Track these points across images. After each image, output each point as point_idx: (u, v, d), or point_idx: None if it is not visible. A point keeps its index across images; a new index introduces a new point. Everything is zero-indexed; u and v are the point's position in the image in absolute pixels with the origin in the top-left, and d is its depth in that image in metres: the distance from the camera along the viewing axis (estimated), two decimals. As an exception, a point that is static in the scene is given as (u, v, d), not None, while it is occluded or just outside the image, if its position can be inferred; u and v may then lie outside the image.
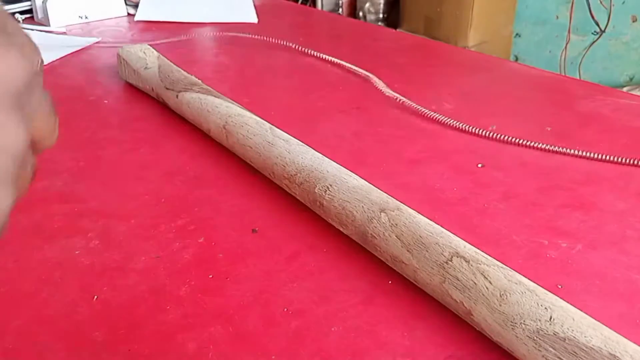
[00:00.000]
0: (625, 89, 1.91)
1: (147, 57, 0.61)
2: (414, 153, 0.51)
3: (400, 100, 0.59)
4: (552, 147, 0.51)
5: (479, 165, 0.49)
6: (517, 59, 2.40)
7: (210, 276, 0.37)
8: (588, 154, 0.49)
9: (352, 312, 0.34)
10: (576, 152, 0.50)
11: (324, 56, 0.71)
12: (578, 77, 2.17)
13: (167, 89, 0.56)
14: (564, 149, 0.50)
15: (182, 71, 0.59)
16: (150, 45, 0.64)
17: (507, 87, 0.66)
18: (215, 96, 0.52)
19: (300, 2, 2.13)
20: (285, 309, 0.34)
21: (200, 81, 0.56)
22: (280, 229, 0.41)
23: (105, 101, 0.61)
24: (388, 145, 0.53)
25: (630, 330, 0.27)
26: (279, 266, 0.38)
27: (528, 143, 0.51)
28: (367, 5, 2.40)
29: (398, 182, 0.46)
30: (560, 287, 0.35)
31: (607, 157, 0.49)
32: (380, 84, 0.63)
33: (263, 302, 0.35)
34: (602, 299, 0.35)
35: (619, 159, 0.48)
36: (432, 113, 0.57)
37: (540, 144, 0.51)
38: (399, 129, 0.55)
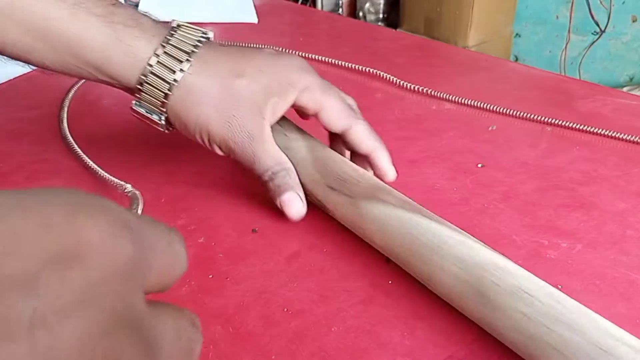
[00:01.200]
0: (625, 89, 1.91)
1: (282, 127, 0.43)
2: (414, 153, 0.51)
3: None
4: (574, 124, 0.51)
5: (479, 165, 0.49)
6: (517, 59, 2.41)
7: (210, 276, 0.37)
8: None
9: (352, 312, 0.34)
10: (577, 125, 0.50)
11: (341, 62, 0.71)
12: (578, 77, 2.17)
13: (331, 188, 0.39)
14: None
15: (348, 161, 0.41)
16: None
17: (507, 87, 0.66)
18: (426, 217, 0.34)
19: (300, 2, 2.13)
20: (285, 309, 0.34)
21: (388, 186, 0.38)
22: (280, 229, 0.41)
23: (105, 101, 0.61)
24: (388, 145, 0.53)
25: (630, 330, 0.27)
26: (279, 266, 0.38)
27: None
28: (367, 5, 2.40)
29: (398, 182, 0.46)
30: (560, 287, 0.35)
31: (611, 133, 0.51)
32: (390, 77, 0.64)
33: (263, 302, 0.35)
34: (602, 299, 0.35)
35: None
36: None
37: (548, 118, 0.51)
38: (398, 129, 0.55)
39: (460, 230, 0.33)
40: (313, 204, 0.41)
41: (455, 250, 0.32)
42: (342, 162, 0.40)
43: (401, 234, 0.34)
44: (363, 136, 0.42)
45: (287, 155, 0.41)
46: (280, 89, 0.39)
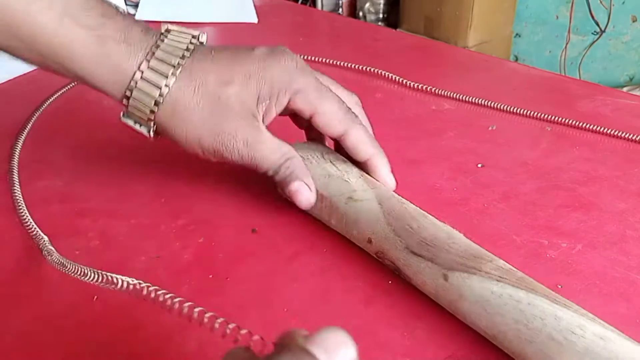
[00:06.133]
0: (625, 89, 1.91)
1: (350, 181, 0.39)
2: (414, 153, 0.51)
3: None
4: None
5: (479, 165, 0.49)
6: (517, 59, 2.41)
7: (210, 276, 0.37)
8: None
9: (352, 312, 0.34)
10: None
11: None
12: (578, 77, 2.17)
13: (414, 254, 0.33)
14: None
15: (429, 216, 0.36)
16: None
17: (507, 87, 0.66)
18: (541, 295, 0.28)
19: (300, 2, 2.13)
20: (285, 309, 0.34)
21: (484, 251, 0.33)
22: (280, 229, 0.41)
23: (105, 101, 0.61)
24: (388, 145, 0.53)
25: (630, 330, 0.27)
26: (279, 266, 0.38)
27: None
28: (367, 5, 2.40)
29: (398, 182, 0.46)
30: (560, 287, 0.35)
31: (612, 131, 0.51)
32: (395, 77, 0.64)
33: (263, 302, 0.35)
34: (602, 299, 0.35)
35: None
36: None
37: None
38: (399, 129, 0.55)
39: (576, 306, 0.28)
40: (387, 266, 0.36)
41: (588, 343, 0.25)
42: (423, 217, 0.35)
43: (502, 315, 0.28)
44: (359, 143, 0.40)
45: (353, 207, 0.37)
46: (272, 92, 0.38)
